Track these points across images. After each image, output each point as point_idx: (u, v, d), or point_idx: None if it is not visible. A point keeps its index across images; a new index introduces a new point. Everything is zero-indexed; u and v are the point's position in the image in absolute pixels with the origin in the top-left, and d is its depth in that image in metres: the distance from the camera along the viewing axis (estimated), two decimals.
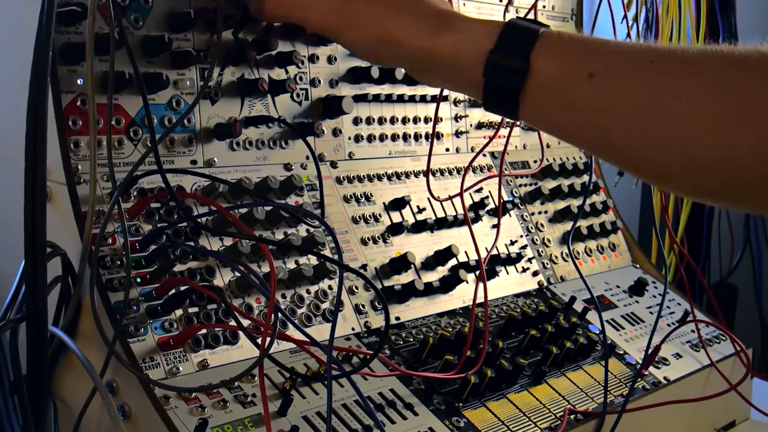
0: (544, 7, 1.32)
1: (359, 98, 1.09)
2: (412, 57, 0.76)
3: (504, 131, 1.21)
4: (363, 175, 1.08)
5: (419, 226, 1.09)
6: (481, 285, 1.02)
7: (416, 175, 1.14)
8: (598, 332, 1.15)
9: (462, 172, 1.20)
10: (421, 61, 0.76)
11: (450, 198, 1.11)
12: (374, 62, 0.81)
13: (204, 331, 0.83)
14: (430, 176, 1.15)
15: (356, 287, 0.99)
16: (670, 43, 0.64)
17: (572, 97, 0.67)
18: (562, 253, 1.28)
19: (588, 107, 0.67)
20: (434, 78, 0.77)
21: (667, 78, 0.63)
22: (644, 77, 0.64)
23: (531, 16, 1.32)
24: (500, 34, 0.70)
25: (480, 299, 1.01)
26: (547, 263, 1.26)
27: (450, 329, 1.03)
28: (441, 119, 1.20)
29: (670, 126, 0.62)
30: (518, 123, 1.32)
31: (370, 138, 1.11)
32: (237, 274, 0.88)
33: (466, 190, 1.13)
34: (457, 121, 1.23)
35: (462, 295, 1.09)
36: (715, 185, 0.63)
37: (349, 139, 1.08)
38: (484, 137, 1.27)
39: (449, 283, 1.07)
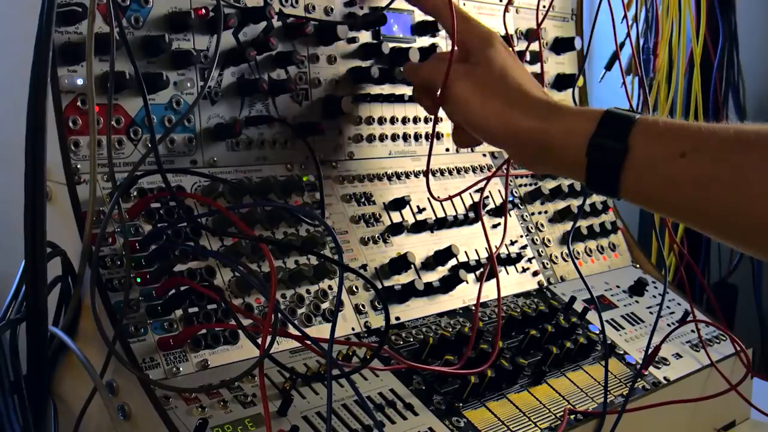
0: (544, 6, 1.32)
1: (359, 98, 1.09)
2: (526, 139, 0.86)
3: None
4: (363, 175, 1.08)
5: (419, 226, 1.09)
6: (486, 283, 1.03)
7: (416, 175, 1.14)
8: (598, 332, 1.15)
9: (462, 172, 1.20)
10: (534, 143, 0.85)
11: (451, 197, 1.11)
12: (482, 137, 0.94)
13: (204, 331, 0.83)
14: (431, 176, 1.15)
15: (356, 287, 0.99)
16: (749, 125, 0.73)
17: (667, 173, 0.77)
18: (562, 253, 1.28)
19: (681, 182, 0.76)
20: (541, 161, 0.88)
21: (753, 157, 0.73)
22: (732, 155, 0.74)
23: (533, 16, 1.32)
24: (600, 120, 0.80)
25: (483, 298, 1.01)
26: (547, 263, 1.26)
27: (450, 329, 1.03)
28: (441, 119, 1.20)
29: (754, 197, 0.73)
30: None
31: (370, 138, 1.11)
32: (237, 274, 0.88)
33: (466, 190, 1.13)
34: None
35: (462, 295, 1.09)
36: None
37: (349, 139, 1.08)
38: None
39: (449, 283, 1.07)
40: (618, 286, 1.32)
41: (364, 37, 1.11)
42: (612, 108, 0.82)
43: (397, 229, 1.07)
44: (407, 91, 1.15)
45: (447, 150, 1.22)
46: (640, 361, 1.14)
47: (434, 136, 1.01)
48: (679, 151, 0.75)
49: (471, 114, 0.90)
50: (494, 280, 1.04)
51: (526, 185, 1.30)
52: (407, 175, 1.13)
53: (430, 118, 1.18)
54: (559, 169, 0.90)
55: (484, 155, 1.26)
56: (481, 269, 1.10)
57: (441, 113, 0.96)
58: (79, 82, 0.82)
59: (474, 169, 1.22)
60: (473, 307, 1.06)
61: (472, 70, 0.91)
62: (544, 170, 1.17)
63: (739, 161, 0.73)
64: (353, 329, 0.96)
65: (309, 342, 0.79)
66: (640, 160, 0.77)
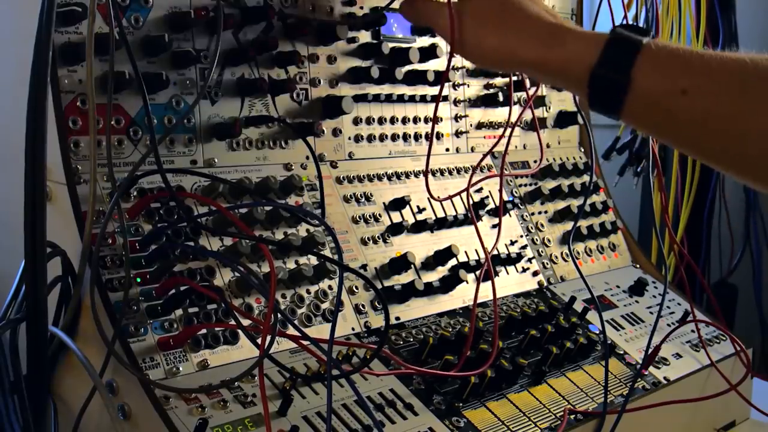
0: None
1: (359, 98, 1.09)
2: (527, 67, 0.86)
3: (507, 131, 1.21)
4: (363, 175, 1.08)
5: (419, 226, 1.09)
6: (487, 283, 1.03)
7: (416, 175, 1.14)
8: (598, 332, 1.15)
9: (462, 172, 1.20)
10: (536, 70, 0.85)
11: (451, 197, 1.11)
12: (491, 69, 0.98)
13: (204, 331, 0.83)
14: (431, 176, 1.15)
15: (356, 287, 0.99)
16: (757, 54, 0.72)
17: (667, 110, 0.75)
18: (562, 253, 1.28)
19: (682, 120, 0.75)
20: (547, 82, 0.92)
21: (753, 96, 0.71)
22: (733, 96, 0.72)
23: None
24: (605, 47, 0.78)
25: (480, 299, 1.01)
26: (547, 263, 1.26)
27: (450, 329, 1.03)
28: (441, 119, 1.20)
29: (755, 137, 0.72)
30: (519, 123, 1.32)
31: (370, 138, 1.11)
32: (237, 274, 0.88)
33: (466, 190, 1.13)
34: (457, 121, 1.23)
35: (462, 295, 1.09)
36: None
37: (349, 139, 1.08)
38: (485, 137, 1.27)
39: (449, 283, 1.07)
40: (618, 286, 1.32)
41: (364, 37, 1.11)
42: (619, 29, 0.79)
43: (397, 229, 1.07)
44: (407, 91, 1.15)
45: (447, 150, 1.22)
46: (640, 361, 1.14)
47: (433, 136, 1.01)
48: (681, 87, 0.74)
49: (468, 46, 0.88)
50: (495, 280, 1.04)
51: (526, 185, 1.30)
52: (407, 175, 1.13)
53: (431, 118, 1.18)
54: (565, 89, 0.91)
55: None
56: (481, 269, 1.10)
57: (441, 113, 0.96)
58: (79, 82, 0.82)
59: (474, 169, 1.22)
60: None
61: (468, 2, 0.88)
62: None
63: (743, 98, 0.72)
64: (353, 329, 0.96)
65: (306, 343, 0.79)
66: (641, 92, 0.76)
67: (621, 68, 0.76)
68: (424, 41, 1.17)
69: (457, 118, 1.24)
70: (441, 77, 1.13)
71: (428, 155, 1.03)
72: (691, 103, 0.74)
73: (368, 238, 1.04)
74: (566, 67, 0.81)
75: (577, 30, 0.83)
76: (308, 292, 0.94)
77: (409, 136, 1.16)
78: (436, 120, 0.97)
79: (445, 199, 1.12)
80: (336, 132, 1.07)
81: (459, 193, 1.11)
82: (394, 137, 1.14)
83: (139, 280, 0.81)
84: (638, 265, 1.41)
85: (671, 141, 0.82)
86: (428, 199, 1.12)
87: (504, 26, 0.85)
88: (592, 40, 0.79)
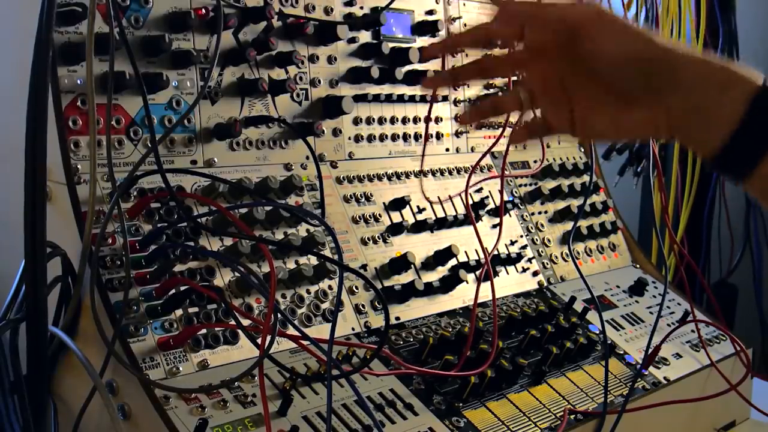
0: None
1: (359, 98, 1.09)
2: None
3: (506, 131, 1.21)
4: (363, 175, 1.08)
5: (419, 226, 1.09)
6: (484, 284, 1.03)
7: (416, 175, 1.14)
8: (598, 332, 1.15)
9: (462, 172, 1.20)
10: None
11: (451, 198, 1.11)
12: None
13: (204, 331, 0.83)
14: (431, 176, 1.15)
15: (356, 287, 0.99)
16: None
17: None
18: (562, 253, 1.28)
19: None
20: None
21: None
22: None
23: None
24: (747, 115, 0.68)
25: (481, 299, 1.01)
26: (547, 263, 1.26)
27: (450, 329, 1.03)
28: (441, 119, 1.20)
29: None
30: (519, 124, 1.31)
31: (370, 138, 1.11)
32: (237, 274, 0.88)
33: (465, 191, 1.13)
34: (457, 121, 1.23)
35: (462, 295, 1.09)
36: None
37: (349, 139, 1.08)
38: (485, 137, 1.27)
39: (449, 283, 1.07)
40: (618, 286, 1.32)
41: (364, 37, 1.11)
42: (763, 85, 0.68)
43: (397, 229, 1.07)
44: (407, 91, 1.15)
45: (447, 150, 1.22)
46: (640, 361, 1.13)
47: (426, 138, 1.00)
48: None
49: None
50: (495, 280, 1.04)
51: (526, 185, 1.30)
52: (407, 175, 1.13)
53: (431, 118, 1.18)
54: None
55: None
56: (481, 269, 1.10)
57: (441, 113, 0.95)
58: (79, 82, 0.82)
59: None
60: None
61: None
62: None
63: None
64: (353, 329, 0.96)
65: (306, 343, 0.79)
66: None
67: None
68: (424, 41, 1.17)
69: (457, 118, 1.23)
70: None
71: (422, 156, 1.03)
72: None
73: (368, 238, 1.04)
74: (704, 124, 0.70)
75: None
76: (308, 292, 0.94)
77: (409, 136, 1.16)
78: (429, 121, 0.95)
79: (444, 201, 1.12)
80: (336, 132, 1.06)
81: (459, 194, 1.11)
82: (394, 137, 1.14)
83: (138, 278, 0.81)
84: (638, 265, 1.41)
85: None
86: (428, 198, 1.12)
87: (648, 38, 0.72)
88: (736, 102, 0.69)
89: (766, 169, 0.68)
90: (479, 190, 1.20)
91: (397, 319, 1.01)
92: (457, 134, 1.23)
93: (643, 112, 0.73)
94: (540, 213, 1.30)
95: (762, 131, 0.68)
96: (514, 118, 1.26)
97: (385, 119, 1.13)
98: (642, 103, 0.72)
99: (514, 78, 1.25)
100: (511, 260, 1.19)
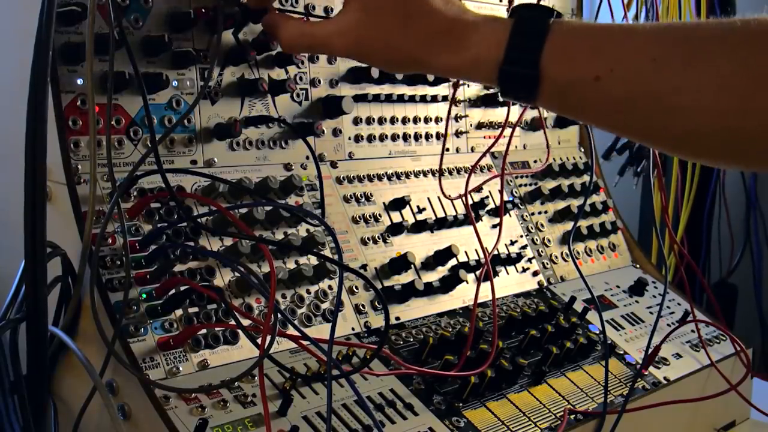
0: None
1: (359, 98, 1.09)
2: (435, 71, 0.85)
3: (506, 131, 1.21)
4: (363, 175, 1.08)
5: (419, 226, 1.09)
6: (484, 284, 1.02)
7: (416, 175, 1.14)
8: (598, 332, 1.15)
9: (462, 172, 1.20)
10: (445, 74, 0.84)
11: (460, 197, 1.11)
12: (394, 72, 0.93)
13: (204, 331, 0.83)
14: (431, 176, 1.15)
15: (356, 287, 0.99)
16: (674, 23, 0.69)
17: (581, 96, 0.73)
18: (562, 253, 1.28)
19: (597, 105, 0.73)
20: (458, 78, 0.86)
21: (667, 75, 0.68)
22: (646, 78, 0.69)
23: None
24: (509, 40, 0.73)
25: (481, 299, 1.01)
26: (547, 263, 1.26)
27: (450, 329, 1.03)
28: (441, 119, 1.20)
29: (674, 117, 0.69)
30: (520, 124, 1.31)
31: (370, 138, 1.11)
32: (237, 274, 0.88)
33: (472, 190, 1.13)
34: (457, 121, 1.23)
35: (462, 295, 1.09)
36: (714, 150, 0.72)
37: (349, 139, 1.08)
38: (485, 137, 1.27)
39: (449, 283, 1.07)
40: (618, 286, 1.32)
41: None
42: (523, 11, 0.74)
43: (397, 229, 1.07)
44: (407, 91, 1.15)
45: (447, 150, 1.21)
46: (640, 361, 1.14)
47: (446, 136, 1.00)
48: (594, 75, 0.70)
49: (366, 46, 0.82)
50: (495, 280, 1.04)
51: (526, 185, 1.30)
52: (407, 175, 1.13)
53: (431, 118, 1.18)
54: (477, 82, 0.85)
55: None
56: (481, 269, 1.10)
57: (441, 113, 0.95)
58: (79, 82, 0.82)
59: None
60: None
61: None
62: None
63: (658, 78, 0.68)
64: (353, 329, 0.96)
65: (306, 343, 0.79)
66: (552, 84, 0.72)
67: (529, 62, 0.72)
68: None
69: (457, 118, 1.24)
70: (443, 79, 1.13)
71: (441, 154, 1.03)
72: (606, 89, 0.70)
73: (368, 238, 1.04)
74: (474, 69, 0.76)
75: (478, 21, 0.77)
76: (308, 292, 0.94)
77: (409, 136, 1.16)
78: (449, 120, 0.96)
79: (456, 197, 1.11)
80: (336, 132, 1.07)
81: (464, 194, 1.10)
82: (394, 137, 1.14)
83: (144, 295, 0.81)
84: (638, 265, 1.41)
85: (593, 124, 0.80)
86: (428, 199, 1.12)
87: (404, 26, 0.79)
88: (494, 36, 0.74)
89: (545, 102, 0.74)
90: (479, 190, 1.20)
91: (397, 319, 1.01)
92: (457, 134, 1.23)
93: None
94: (540, 213, 1.30)
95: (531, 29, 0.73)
96: (513, 118, 1.26)
97: (385, 119, 1.13)
98: None
99: None
100: (511, 260, 1.19)
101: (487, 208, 1.19)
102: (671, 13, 1.77)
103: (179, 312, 0.82)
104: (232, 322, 0.84)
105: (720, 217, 1.95)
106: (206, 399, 0.78)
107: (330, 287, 0.95)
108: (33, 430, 0.76)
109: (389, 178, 1.11)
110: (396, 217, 1.08)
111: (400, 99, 1.14)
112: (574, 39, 0.73)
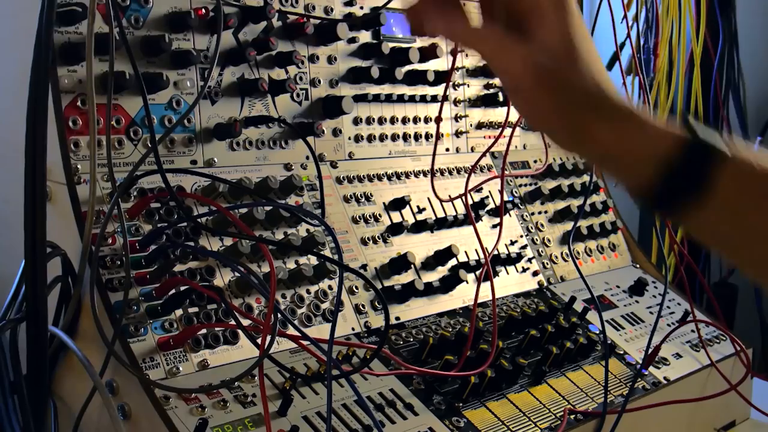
0: None
1: (359, 98, 1.09)
2: (595, 152, 0.66)
3: (506, 131, 1.21)
4: (363, 175, 1.08)
5: (419, 226, 1.09)
6: (484, 284, 1.02)
7: (416, 175, 1.14)
8: (598, 332, 1.15)
9: (462, 172, 1.20)
10: (602, 156, 0.66)
11: (458, 197, 1.11)
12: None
13: (204, 331, 0.83)
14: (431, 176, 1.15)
15: (356, 287, 0.99)
16: None
17: (752, 225, 0.61)
18: (562, 253, 1.28)
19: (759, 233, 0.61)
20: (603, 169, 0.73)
21: None
22: None
23: None
24: (682, 153, 0.61)
25: (481, 299, 1.01)
26: (547, 263, 1.26)
27: (450, 329, 1.03)
28: (442, 119, 1.20)
29: None
30: (519, 124, 1.31)
31: (370, 138, 1.11)
32: (237, 274, 0.88)
33: (471, 190, 1.13)
34: (457, 121, 1.23)
35: (462, 295, 1.09)
36: None
37: (349, 139, 1.08)
38: (485, 137, 1.27)
39: (449, 283, 1.07)
40: (618, 286, 1.32)
41: (364, 36, 1.11)
42: (692, 133, 0.61)
43: (397, 229, 1.07)
44: (407, 91, 1.15)
45: (447, 150, 1.22)
46: (640, 361, 1.13)
47: (437, 137, 1.00)
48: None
49: (533, 109, 0.66)
50: (495, 280, 1.04)
51: (526, 185, 1.30)
52: (407, 175, 1.13)
53: (430, 118, 1.18)
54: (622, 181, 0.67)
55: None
56: (481, 269, 1.10)
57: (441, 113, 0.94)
58: (80, 82, 0.82)
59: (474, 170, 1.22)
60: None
61: (534, 53, 0.63)
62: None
63: None
64: (353, 329, 0.96)
65: (306, 343, 0.79)
66: (722, 202, 0.60)
67: (699, 174, 0.60)
68: (424, 41, 1.17)
69: (457, 118, 1.24)
70: (443, 79, 1.13)
71: (433, 155, 1.03)
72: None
73: (368, 238, 1.04)
74: (635, 160, 0.63)
75: (647, 116, 0.64)
76: (308, 292, 0.94)
77: (409, 136, 1.16)
78: (440, 121, 0.96)
79: (452, 199, 1.11)
80: (336, 132, 1.07)
81: (464, 194, 1.10)
82: (394, 137, 1.14)
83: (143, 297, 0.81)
84: (638, 265, 1.41)
85: (749, 262, 0.65)
86: (428, 199, 1.12)
87: (579, 92, 0.64)
88: (667, 134, 0.62)
89: (725, 183, 0.60)
90: (479, 190, 1.20)
91: (397, 319, 1.01)
92: (457, 134, 1.23)
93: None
94: (540, 213, 1.30)
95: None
96: (513, 118, 1.26)
97: (385, 119, 1.13)
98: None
99: None
100: (511, 260, 1.19)
101: (487, 208, 1.19)
102: (671, 13, 1.77)
103: (179, 312, 0.82)
104: (232, 322, 0.84)
105: None
106: (206, 399, 0.78)
107: (330, 287, 0.95)
108: (33, 430, 0.76)
109: (389, 178, 1.11)
110: (396, 217, 1.08)
111: (400, 99, 1.14)
112: (756, 165, 0.60)
